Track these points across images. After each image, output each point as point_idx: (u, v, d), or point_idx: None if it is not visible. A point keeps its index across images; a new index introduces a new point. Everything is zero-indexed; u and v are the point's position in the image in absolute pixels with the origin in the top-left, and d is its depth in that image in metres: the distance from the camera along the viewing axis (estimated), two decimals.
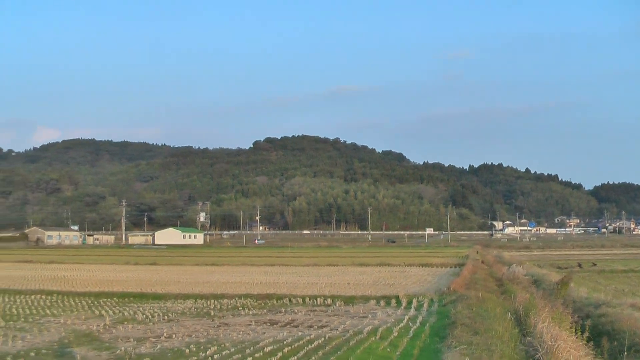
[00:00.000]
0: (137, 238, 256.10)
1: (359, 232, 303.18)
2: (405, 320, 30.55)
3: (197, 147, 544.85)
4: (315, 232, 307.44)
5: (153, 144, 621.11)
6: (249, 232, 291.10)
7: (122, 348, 23.64)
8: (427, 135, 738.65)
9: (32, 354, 22.70)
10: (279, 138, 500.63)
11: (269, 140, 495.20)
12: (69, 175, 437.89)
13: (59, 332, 27.68)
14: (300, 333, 27.01)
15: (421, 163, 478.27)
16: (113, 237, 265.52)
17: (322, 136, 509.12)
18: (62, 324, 30.14)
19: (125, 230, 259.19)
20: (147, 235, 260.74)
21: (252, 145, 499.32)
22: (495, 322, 27.29)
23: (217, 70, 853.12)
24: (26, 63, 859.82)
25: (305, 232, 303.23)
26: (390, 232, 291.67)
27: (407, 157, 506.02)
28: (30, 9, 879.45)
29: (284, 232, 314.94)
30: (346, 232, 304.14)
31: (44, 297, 43.04)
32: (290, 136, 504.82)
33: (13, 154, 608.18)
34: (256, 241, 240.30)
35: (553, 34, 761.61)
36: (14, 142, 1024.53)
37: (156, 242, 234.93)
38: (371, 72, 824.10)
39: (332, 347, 23.61)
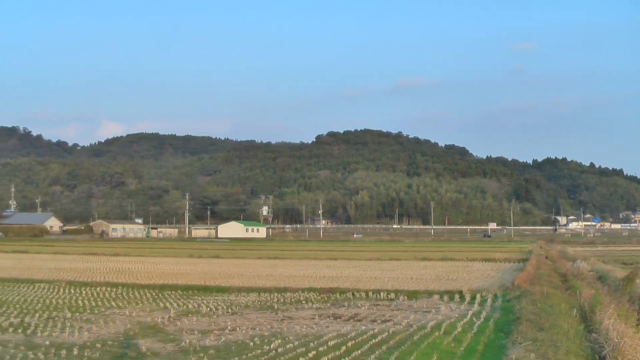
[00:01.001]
0: (200, 231, 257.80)
1: (421, 227, 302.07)
2: (469, 315, 30.34)
3: (260, 141, 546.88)
4: (377, 226, 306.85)
5: (216, 137, 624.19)
6: (311, 225, 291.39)
7: (187, 340, 23.82)
8: (490, 128, 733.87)
9: (98, 345, 22.95)
10: (342, 132, 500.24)
11: (331, 134, 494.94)
12: (133, 169, 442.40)
13: (124, 324, 27.95)
14: (363, 327, 26.98)
15: (484, 157, 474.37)
16: (176, 230, 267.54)
17: (384, 130, 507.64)
18: (127, 316, 30.43)
19: (189, 224, 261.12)
20: (210, 229, 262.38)
21: (314, 139, 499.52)
22: (560, 318, 27.00)
23: (280, 64, 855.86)
24: (91, 59, 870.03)
25: (367, 226, 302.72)
26: (452, 227, 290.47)
27: (469, 151, 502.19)
28: (94, 6, 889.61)
29: (346, 226, 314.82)
30: (408, 227, 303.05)
31: (109, 289, 43.45)
32: (353, 130, 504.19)
33: (78, 148, 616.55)
34: (355, 235, 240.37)
35: (619, 24, 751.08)
36: (79, 136, 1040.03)
37: (219, 236, 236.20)
38: (435, 65, 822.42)
39: (395, 341, 23.54)
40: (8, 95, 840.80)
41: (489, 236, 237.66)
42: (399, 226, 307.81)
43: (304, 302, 36.82)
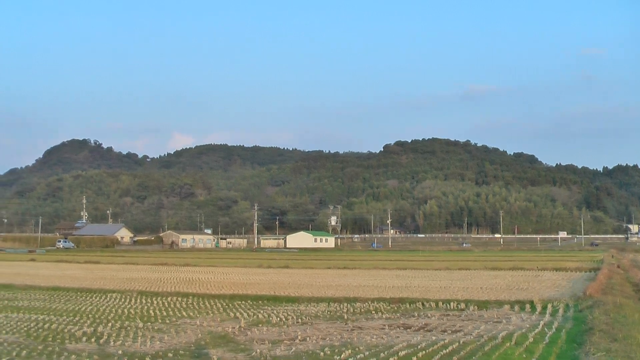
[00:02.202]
0: (269, 241, 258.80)
1: (490, 236, 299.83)
2: (541, 325, 30.00)
3: (327, 151, 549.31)
4: (446, 235, 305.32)
5: (284, 148, 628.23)
6: (379, 235, 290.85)
7: (258, 350, 23.89)
8: (559, 136, 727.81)
9: (170, 354, 23.15)
10: (409, 141, 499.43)
11: (399, 144, 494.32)
12: (203, 180, 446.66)
13: (196, 334, 28.14)
14: (434, 337, 26.82)
15: (554, 165, 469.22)
16: (245, 240, 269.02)
17: (452, 138, 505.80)
18: (198, 326, 30.63)
19: (257, 234, 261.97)
20: (279, 239, 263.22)
21: (382, 149, 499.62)
22: (634, 329, 26.62)
23: (347, 73, 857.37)
24: (162, 73, 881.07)
25: (435, 235, 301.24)
26: (522, 236, 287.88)
27: (539, 159, 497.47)
28: (165, 21, 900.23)
29: (414, 235, 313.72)
30: (477, 236, 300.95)
31: (179, 299, 43.77)
32: (421, 139, 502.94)
33: (148, 159, 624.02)
34: (464, 245, 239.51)
35: None
36: (150, 148, 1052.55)
37: (288, 246, 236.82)
38: (504, 72, 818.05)
39: (466, 352, 23.37)
40: (80, 109, 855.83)
41: (597, 244, 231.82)
42: (468, 235, 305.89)
43: (373, 312, 36.72)
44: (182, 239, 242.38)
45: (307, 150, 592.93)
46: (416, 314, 35.66)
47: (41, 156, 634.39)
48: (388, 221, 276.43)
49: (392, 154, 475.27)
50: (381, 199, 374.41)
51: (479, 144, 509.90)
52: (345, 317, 34.28)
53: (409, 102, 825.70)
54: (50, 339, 26.57)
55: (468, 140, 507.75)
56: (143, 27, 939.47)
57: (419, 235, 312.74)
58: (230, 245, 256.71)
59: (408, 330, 29.40)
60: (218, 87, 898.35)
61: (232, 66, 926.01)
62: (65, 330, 28.70)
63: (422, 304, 40.09)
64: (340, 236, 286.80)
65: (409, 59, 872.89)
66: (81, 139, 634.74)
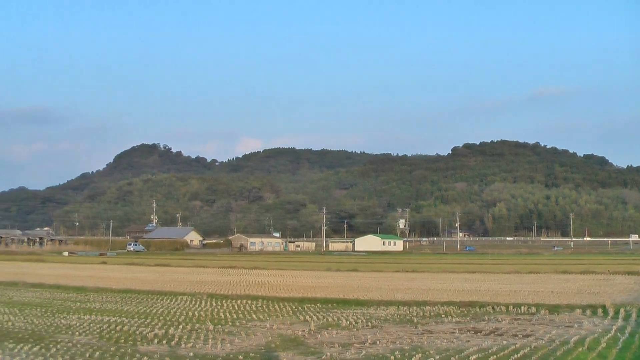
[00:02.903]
0: (337, 245, 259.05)
1: (560, 239, 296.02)
2: (613, 330, 29.57)
3: (395, 154, 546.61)
4: (515, 238, 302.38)
5: (352, 151, 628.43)
6: (447, 238, 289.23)
7: (328, 353, 23.93)
8: (630, 137, 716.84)
9: (241, 357, 23.29)
10: (478, 143, 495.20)
11: (467, 146, 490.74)
12: (271, 184, 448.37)
13: (266, 336, 28.26)
14: (505, 342, 26.60)
15: (624, 167, 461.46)
16: (313, 243, 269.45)
17: (521, 141, 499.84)
18: (268, 329, 30.76)
19: (326, 237, 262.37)
20: (347, 242, 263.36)
21: (450, 152, 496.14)
22: None
23: (415, 76, 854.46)
24: (232, 78, 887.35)
25: (505, 238, 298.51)
26: (592, 239, 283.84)
27: (609, 161, 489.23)
28: (234, 27, 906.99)
29: (483, 238, 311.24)
30: (547, 239, 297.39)
31: (249, 301, 43.96)
32: (489, 141, 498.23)
33: (217, 163, 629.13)
34: (555, 248, 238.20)
35: None
36: (218, 153, 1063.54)
37: (356, 249, 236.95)
38: (572, 73, 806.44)
39: (538, 357, 23.16)
40: (150, 115, 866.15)
41: None
42: (537, 238, 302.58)
43: (443, 315, 36.53)
44: (251, 242, 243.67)
45: (375, 153, 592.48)
46: (486, 318, 35.41)
47: (111, 161, 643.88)
48: (457, 224, 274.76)
49: (461, 157, 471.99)
50: (449, 202, 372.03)
51: (548, 146, 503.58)
52: (415, 320, 34.14)
53: (477, 104, 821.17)
54: (122, 340, 26.92)
55: (537, 142, 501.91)
56: (213, 32, 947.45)
57: (487, 239, 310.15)
58: (299, 249, 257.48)
59: (478, 334, 29.21)
60: (287, 91, 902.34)
61: (302, 70, 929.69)
62: (137, 332, 29.04)
63: (492, 308, 39.76)
64: (409, 239, 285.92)
65: (478, 62, 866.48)
66: (150, 143, 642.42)
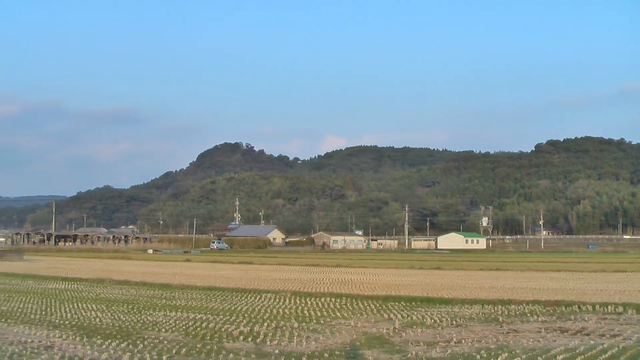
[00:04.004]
0: (419, 242, 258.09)
1: None
2: None
3: (478, 151, 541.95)
4: (600, 236, 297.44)
5: (434, 149, 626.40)
6: (531, 236, 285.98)
7: (413, 352, 23.82)
8: None
9: (326, 355, 23.33)
10: (562, 140, 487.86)
11: (551, 143, 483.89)
12: (353, 182, 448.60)
13: (350, 335, 28.26)
14: (592, 342, 26.21)
15: None
16: (396, 241, 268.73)
17: (606, 137, 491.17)
18: (353, 327, 30.75)
19: (408, 235, 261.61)
20: (430, 240, 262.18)
21: (534, 148, 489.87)
22: None
23: (498, 73, 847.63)
24: (314, 76, 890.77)
25: (589, 236, 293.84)
26: None
27: None
28: (316, 26, 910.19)
29: (567, 236, 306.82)
30: (632, 237, 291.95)
31: (333, 299, 43.96)
32: (573, 138, 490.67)
33: (299, 162, 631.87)
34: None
35: None
36: (301, 151, 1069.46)
37: (438, 247, 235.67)
38: None
39: (626, 357, 22.79)
40: (233, 114, 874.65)
41: None
42: (623, 237, 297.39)
43: (528, 314, 36.09)
44: (334, 240, 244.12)
45: (457, 151, 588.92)
46: (572, 317, 34.90)
47: (195, 159, 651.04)
48: (540, 222, 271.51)
49: (544, 154, 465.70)
50: (533, 200, 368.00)
51: (634, 142, 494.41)
52: (500, 319, 33.82)
53: (561, 100, 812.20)
54: (208, 337, 27.17)
55: (622, 139, 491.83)
56: (297, 31, 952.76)
57: (572, 236, 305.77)
58: (381, 247, 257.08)
59: (565, 333, 28.81)
60: (370, 88, 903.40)
61: (384, 68, 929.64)
62: (223, 330, 29.27)
63: (578, 307, 39.17)
64: (492, 237, 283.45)
65: (562, 57, 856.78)
66: (233, 142, 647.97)
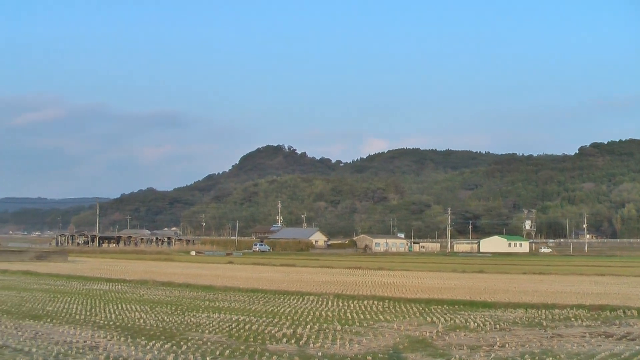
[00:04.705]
0: (462, 246, 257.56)
1: None
2: None
3: (521, 154, 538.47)
4: None
5: (477, 151, 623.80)
6: (574, 240, 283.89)
7: (457, 355, 23.74)
8: None
9: (369, 357, 23.30)
10: (606, 143, 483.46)
11: (595, 145, 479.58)
12: (395, 184, 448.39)
13: (393, 338, 28.19)
14: (637, 347, 25.92)
15: None
16: (438, 244, 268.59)
17: None
18: (396, 330, 30.68)
19: (450, 238, 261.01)
20: (472, 243, 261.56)
21: (577, 151, 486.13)
22: None
23: (541, 75, 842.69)
24: (356, 79, 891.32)
25: (634, 240, 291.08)
26: None
27: None
28: (362, 30, 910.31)
29: (611, 240, 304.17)
30: None
31: (375, 302, 43.86)
32: (617, 140, 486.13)
33: (341, 164, 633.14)
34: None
35: None
36: (343, 153, 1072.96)
37: (481, 250, 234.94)
38: None
39: None
40: (275, 117, 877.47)
41: None
42: None
43: (572, 319, 35.80)
44: (375, 243, 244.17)
45: (500, 154, 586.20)
46: (617, 322, 34.56)
47: (237, 162, 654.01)
48: (584, 226, 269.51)
49: (588, 156, 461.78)
50: (576, 203, 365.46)
51: None
52: (544, 323, 33.57)
53: (605, 102, 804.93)
54: (251, 339, 27.23)
55: None
56: (340, 34, 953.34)
57: (616, 240, 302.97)
58: (423, 250, 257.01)
59: (609, 338, 28.55)
60: (412, 91, 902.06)
61: (426, 71, 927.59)
62: (266, 331, 29.34)
63: (623, 312, 38.81)
64: (535, 241, 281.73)
65: (607, 58, 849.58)
66: (275, 145, 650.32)
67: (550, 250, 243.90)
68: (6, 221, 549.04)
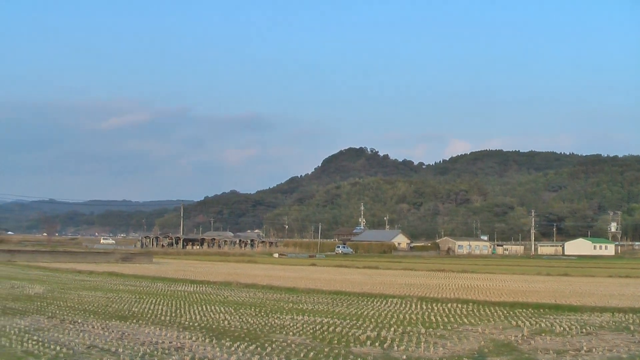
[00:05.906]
0: (546, 248, 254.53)
1: None
2: None
3: (606, 155, 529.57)
4: None
5: (561, 152, 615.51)
6: None
7: None
8: None
9: None
10: None
11: None
12: (478, 186, 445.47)
13: (478, 341, 28.00)
14: None
15: None
16: (522, 247, 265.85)
17: None
18: (480, 333, 30.46)
19: (534, 240, 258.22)
20: (557, 246, 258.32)
21: None
22: None
23: (625, 73, 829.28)
24: (444, 82, 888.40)
25: None
26: None
27: None
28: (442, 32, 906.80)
29: None
30: None
31: (459, 305, 43.60)
32: None
33: (424, 166, 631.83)
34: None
35: None
36: (425, 155, 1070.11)
37: (565, 253, 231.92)
38: None
39: None
40: (358, 119, 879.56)
41: None
42: None
43: None
44: (458, 245, 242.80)
45: (584, 154, 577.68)
46: None
47: (320, 164, 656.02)
48: None
49: None
50: None
51: None
52: (632, 328, 33.00)
53: None
54: (335, 341, 27.28)
55: None
56: (425, 35, 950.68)
57: None
58: (507, 252, 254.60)
59: None
60: (496, 92, 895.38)
61: (510, 72, 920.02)
62: (350, 334, 29.37)
63: None
64: (621, 243, 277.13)
65: None
66: (358, 147, 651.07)
67: None
68: (92, 223, 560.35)
